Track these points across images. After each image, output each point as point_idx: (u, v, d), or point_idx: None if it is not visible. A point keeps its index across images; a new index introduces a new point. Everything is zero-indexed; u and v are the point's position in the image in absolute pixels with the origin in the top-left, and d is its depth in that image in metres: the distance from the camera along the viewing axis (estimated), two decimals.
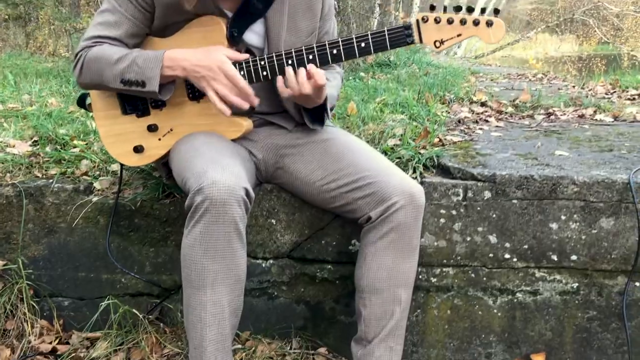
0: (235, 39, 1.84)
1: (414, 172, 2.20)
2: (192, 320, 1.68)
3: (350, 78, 5.19)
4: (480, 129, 2.94)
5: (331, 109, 1.97)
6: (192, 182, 1.64)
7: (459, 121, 3.04)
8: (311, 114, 1.92)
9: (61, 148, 2.52)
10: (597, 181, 2.01)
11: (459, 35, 1.70)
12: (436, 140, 2.50)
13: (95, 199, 2.19)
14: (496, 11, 1.71)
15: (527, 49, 24.37)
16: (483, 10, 1.71)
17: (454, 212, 2.06)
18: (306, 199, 2.02)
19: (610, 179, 2.00)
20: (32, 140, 2.59)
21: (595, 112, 3.41)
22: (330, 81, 1.93)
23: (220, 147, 1.78)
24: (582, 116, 3.34)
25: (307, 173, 1.94)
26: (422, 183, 2.08)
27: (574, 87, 5.12)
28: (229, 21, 1.83)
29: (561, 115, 3.36)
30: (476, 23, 1.68)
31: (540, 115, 3.32)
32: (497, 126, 3.02)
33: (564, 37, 26.17)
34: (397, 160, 2.25)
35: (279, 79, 1.76)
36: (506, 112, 3.39)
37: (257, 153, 1.98)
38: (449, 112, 3.28)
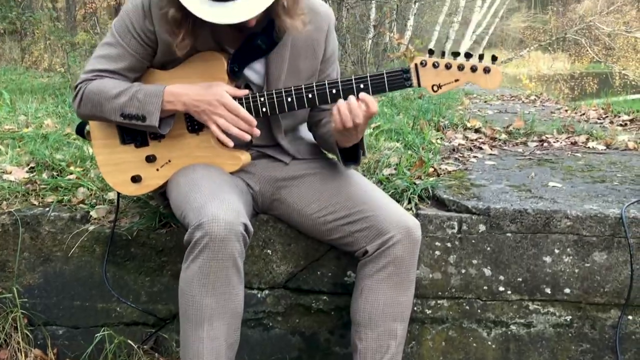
0: (235, 75, 1.86)
1: (409, 202, 2.22)
2: (189, 355, 1.68)
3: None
4: (475, 156, 2.97)
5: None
6: (192, 217, 1.65)
7: (454, 149, 3.08)
8: (344, 153, 1.90)
9: (58, 174, 2.52)
10: (590, 215, 2.03)
11: (456, 80, 1.73)
12: (431, 170, 2.52)
13: (91, 227, 2.19)
14: (494, 58, 1.73)
15: (520, 67, 24.60)
16: (481, 57, 1.73)
17: (449, 244, 2.08)
18: (302, 231, 2.03)
19: (603, 213, 2.03)
20: (29, 167, 2.59)
21: (587, 139, 3.45)
22: None
23: (219, 181, 1.79)
24: (574, 143, 3.38)
25: (303, 205, 1.95)
26: (417, 215, 2.10)
27: (566, 110, 5.17)
28: (230, 57, 1.85)
29: (554, 142, 3.40)
30: (474, 69, 1.71)
31: (533, 143, 3.36)
32: (491, 154, 3.06)
33: (556, 56, 26.43)
34: (393, 190, 2.27)
35: (335, 113, 1.72)
36: (500, 139, 3.43)
37: (254, 185, 1.99)
38: (443, 139, 3.32)
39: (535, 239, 2.05)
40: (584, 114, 4.84)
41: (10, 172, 2.48)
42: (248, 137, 1.79)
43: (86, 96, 1.85)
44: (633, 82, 19.51)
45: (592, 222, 2.03)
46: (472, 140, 3.37)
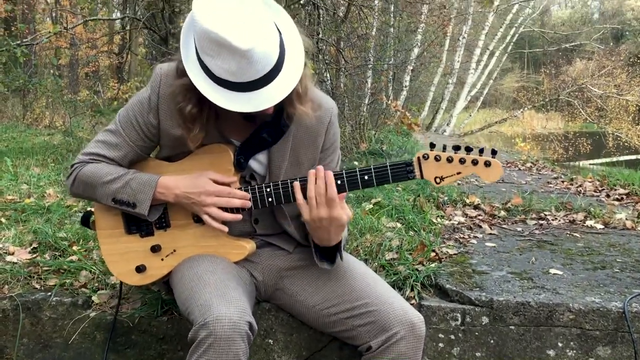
0: (241, 166, 1.90)
1: (412, 290, 2.23)
2: None
3: (344, 167, 5.29)
4: (475, 237, 2.99)
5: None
6: (197, 315, 1.65)
7: (454, 228, 3.10)
8: (321, 252, 1.92)
9: (60, 255, 2.53)
10: (593, 309, 2.04)
11: (458, 173, 1.77)
12: (432, 254, 2.54)
13: (93, 314, 2.18)
14: (493, 152, 1.77)
15: (514, 126, 24.97)
16: (481, 150, 1.77)
17: (452, 336, 2.08)
18: (305, 322, 2.02)
19: (605, 307, 2.04)
20: (32, 247, 2.59)
21: (585, 217, 3.49)
22: None
23: (224, 276, 1.80)
24: (573, 222, 3.41)
25: (306, 296, 1.95)
26: (421, 306, 2.10)
27: (563, 182, 5.23)
28: (236, 149, 1.89)
29: (552, 220, 3.43)
30: (475, 162, 1.75)
31: (532, 221, 3.39)
32: (490, 233, 3.08)
33: (550, 116, 26.89)
34: (395, 277, 2.28)
35: (299, 198, 1.75)
36: (499, 217, 3.46)
37: (257, 275, 2.00)
38: (443, 217, 3.34)
39: (538, 332, 2.05)
40: (580, 186, 4.90)
41: (13, 253, 2.48)
42: (239, 217, 1.82)
43: (79, 178, 1.90)
44: (626, 144, 19.80)
45: (595, 316, 2.03)
46: (471, 218, 3.40)
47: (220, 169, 1.88)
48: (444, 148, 1.77)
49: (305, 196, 1.75)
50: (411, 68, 13.20)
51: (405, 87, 12.66)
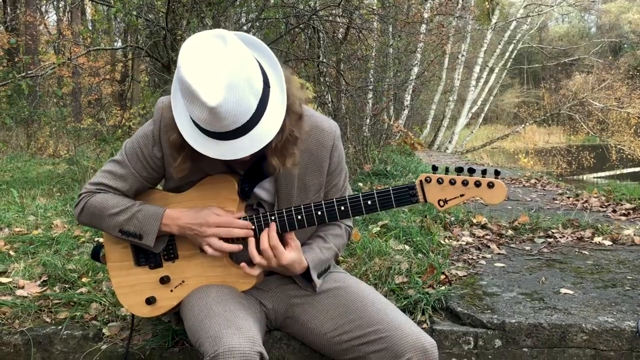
0: (246, 195, 1.91)
1: (423, 314, 2.22)
2: None
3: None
4: (484, 257, 2.98)
5: (322, 273, 1.98)
6: (207, 347, 1.64)
7: (462, 250, 3.09)
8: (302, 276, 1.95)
9: (70, 287, 2.53)
10: (606, 329, 2.03)
11: (461, 195, 1.75)
12: (442, 276, 2.53)
13: (104, 346, 2.17)
14: (497, 172, 1.76)
15: (516, 141, 25.00)
16: (484, 172, 1.77)
17: None
18: (317, 349, 2.01)
19: (619, 327, 2.03)
20: (41, 280, 2.59)
21: (593, 234, 3.48)
22: (327, 241, 1.98)
23: (233, 306, 1.79)
24: (581, 239, 3.41)
25: (317, 324, 1.94)
26: (433, 330, 2.09)
27: (569, 198, 5.23)
28: (240, 178, 1.91)
29: (560, 237, 3.43)
30: (477, 184, 1.73)
31: (540, 239, 3.38)
32: (499, 253, 3.07)
33: (551, 130, 26.94)
34: (406, 301, 2.28)
35: (244, 265, 1.81)
36: (506, 236, 3.45)
37: (267, 303, 1.99)
38: (451, 238, 3.34)
39: (552, 353, 2.04)
40: (586, 202, 4.89)
41: (23, 287, 2.48)
42: (238, 248, 1.83)
43: (87, 208, 1.92)
44: (629, 156, 19.79)
45: (609, 336, 2.02)
46: (479, 238, 3.39)
47: (225, 198, 1.89)
48: (447, 170, 1.76)
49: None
50: (412, 87, 13.28)
51: (407, 106, 12.71)
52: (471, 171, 1.75)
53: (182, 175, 1.84)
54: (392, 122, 7.91)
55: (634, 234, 3.43)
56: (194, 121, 1.62)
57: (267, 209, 1.94)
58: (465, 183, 1.74)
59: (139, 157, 1.90)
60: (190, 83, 1.51)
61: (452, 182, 1.75)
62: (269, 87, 1.64)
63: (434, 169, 1.79)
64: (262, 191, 1.95)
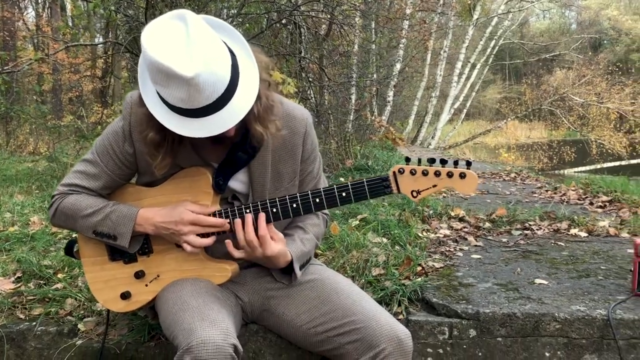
0: (221, 187, 1.90)
1: (399, 305, 2.23)
2: None
3: (331, 183, 5.30)
4: (461, 249, 3.01)
5: (303, 265, 1.98)
6: (181, 340, 1.64)
7: (440, 242, 3.11)
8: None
9: (45, 284, 2.50)
10: (578, 317, 2.05)
11: (434, 185, 1.77)
12: (419, 268, 2.55)
13: (79, 342, 2.16)
14: (468, 163, 1.78)
15: (498, 137, 25.20)
16: (456, 162, 1.78)
17: (440, 350, 2.08)
18: (293, 342, 2.01)
19: (590, 315, 2.05)
20: (16, 277, 2.57)
21: (569, 226, 3.52)
22: (307, 232, 1.98)
23: (207, 299, 1.79)
24: (557, 230, 3.45)
25: (293, 316, 1.95)
26: (408, 321, 2.10)
27: (547, 191, 5.28)
28: (214, 171, 1.90)
29: (537, 229, 3.46)
30: (450, 175, 1.75)
31: (517, 231, 3.41)
32: (476, 245, 3.10)
33: (533, 125, 27.18)
34: (382, 293, 2.29)
35: (229, 243, 1.82)
36: (484, 228, 3.48)
37: (243, 296, 1.99)
38: (429, 230, 3.36)
39: (525, 342, 2.06)
40: (564, 194, 4.95)
41: None
42: (210, 241, 1.84)
43: (60, 210, 1.90)
44: (609, 151, 20.05)
45: (581, 324, 2.05)
46: (457, 230, 3.42)
47: (199, 192, 1.88)
48: (419, 161, 1.77)
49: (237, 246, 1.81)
50: (394, 83, 13.32)
51: (389, 102, 12.75)
52: (443, 162, 1.76)
53: (163, 172, 1.83)
54: (374, 118, 7.93)
55: (609, 226, 3.48)
56: (171, 106, 1.60)
57: (242, 201, 1.94)
58: (437, 174, 1.75)
59: (110, 154, 1.88)
60: (162, 62, 1.49)
61: (425, 173, 1.76)
62: (236, 56, 1.64)
63: (407, 160, 1.80)
64: (237, 183, 1.95)
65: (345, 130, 7.78)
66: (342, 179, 5.69)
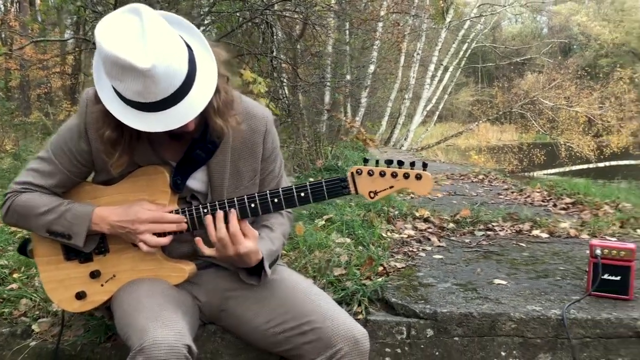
0: (178, 187, 1.88)
1: (359, 305, 2.24)
2: None
3: (300, 182, 5.29)
4: (424, 249, 3.03)
5: (272, 264, 1.95)
6: (134, 340, 1.62)
7: (403, 242, 3.14)
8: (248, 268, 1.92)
9: (0, 284, 2.45)
10: (533, 317, 2.08)
11: (391, 187, 1.78)
12: (380, 268, 2.56)
13: (33, 343, 2.12)
14: (424, 165, 1.80)
15: (470, 139, 25.51)
16: (413, 164, 1.79)
17: (398, 350, 2.09)
18: (251, 342, 2.00)
19: (545, 315, 2.09)
20: None
21: (531, 227, 3.57)
22: (274, 230, 1.97)
23: (162, 299, 1.77)
24: (519, 232, 3.50)
25: (251, 316, 1.94)
26: (367, 321, 2.11)
27: (513, 193, 5.36)
28: (173, 170, 1.88)
29: (500, 230, 3.51)
30: (406, 176, 1.76)
31: (480, 232, 3.46)
32: (439, 246, 3.13)
33: (504, 128, 27.57)
34: (343, 293, 2.29)
35: (199, 240, 1.79)
36: (448, 229, 3.52)
37: (200, 297, 1.98)
38: (393, 231, 3.38)
39: (482, 342, 2.09)
40: (528, 196, 5.03)
41: None
42: (167, 241, 1.82)
43: (13, 208, 1.86)
44: (577, 154, 20.44)
45: (536, 324, 2.08)
46: (421, 231, 3.44)
47: (156, 190, 1.85)
48: (377, 163, 1.79)
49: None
50: (367, 85, 13.38)
51: (362, 104, 12.80)
52: (400, 164, 1.78)
53: (120, 170, 1.81)
54: (345, 119, 7.96)
55: (570, 227, 3.54)
56: (128, 101, 1.57)
57: (201, 200, 1.92)
58: (394, 175, 1.76)
59: (66, 152, 1.84)
60: (118, 54, 1.47)
61: (382, 174, 1.77)
62: (193, 50, 1.63)
63: (365, 161, 1.81)
64: (195, 182, 1.92)
65: (317, 131, 7.79)
66: (311, 179, 5.69)
